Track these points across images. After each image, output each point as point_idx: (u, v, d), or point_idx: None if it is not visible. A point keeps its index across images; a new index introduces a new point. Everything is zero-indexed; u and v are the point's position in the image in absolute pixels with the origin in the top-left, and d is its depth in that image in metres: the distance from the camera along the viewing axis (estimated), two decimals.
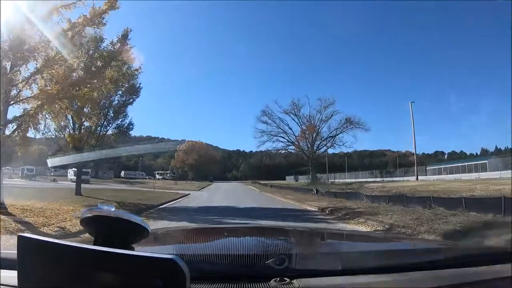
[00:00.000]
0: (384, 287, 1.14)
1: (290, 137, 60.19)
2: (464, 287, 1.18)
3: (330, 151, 63.22)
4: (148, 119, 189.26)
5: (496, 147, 76.27)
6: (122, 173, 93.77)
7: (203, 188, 50.31)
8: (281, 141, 60.81)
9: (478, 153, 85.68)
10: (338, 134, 57.56)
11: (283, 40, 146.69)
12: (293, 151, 62.69)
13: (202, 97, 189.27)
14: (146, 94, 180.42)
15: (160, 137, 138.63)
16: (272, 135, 60.48)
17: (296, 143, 59.74)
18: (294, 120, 60.58)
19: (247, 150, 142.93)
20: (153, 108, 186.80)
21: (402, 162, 78.96)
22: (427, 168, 55.65)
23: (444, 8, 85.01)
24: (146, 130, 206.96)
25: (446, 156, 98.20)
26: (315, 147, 58.55)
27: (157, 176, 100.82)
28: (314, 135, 57.88)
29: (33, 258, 0.81)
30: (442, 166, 53.33)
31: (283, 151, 62.85)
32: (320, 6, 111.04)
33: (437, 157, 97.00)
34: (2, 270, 1.13)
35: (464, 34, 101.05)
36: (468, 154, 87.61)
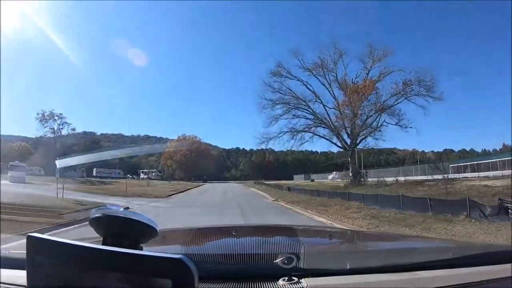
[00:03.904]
0: (391, 286, 1.15)
1: (317, 111, 37.28)
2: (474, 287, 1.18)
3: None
4: (146, 118, 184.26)
5: None
6: (94, 171, 79.00)
7: (180, 192, 33.37)
8: (306, 116, 37.81)
9: (498, 150, 77.47)
10: (394, 104, 34.19)
11: None
12: (323, 132, 38.27)
13: (199, 95, 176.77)
14: (143, 93, 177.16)
15: (158, 136, 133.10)
16: (290, 105, 37.71)
17: (338, 115, 35.43)
18: (323, 85, 37.07)
19: (247, 148, 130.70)
20: (150, 107, 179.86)
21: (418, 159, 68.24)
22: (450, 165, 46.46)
23: None
24: (143, 129, 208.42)
25: (456, 153, 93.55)
26: (358, 124, 34.09)
27: (142, 175, 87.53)
28: (360, 104, 32.99)
29: (43, 257, 0.82)
30: (468, 163, 46.24)
31: (305, 132, 37.88)
32: None
33: (447, 155, 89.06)
34: (3, 269, 1.14)
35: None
36: (479, 151, 79.53)
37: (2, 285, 1.09)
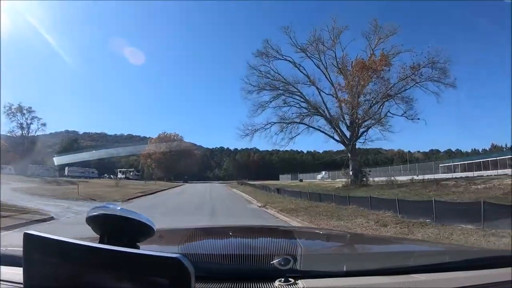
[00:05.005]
0: None
1: (311, 99, 31.47)
2: None
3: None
4: (129, 118, 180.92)
5: None
6: (66, 171, 73.17)
7: (148, 194, 28.61)
8: (299, 103, 31.72)
9: (487, 149, 77.80)
10: (402, 91, 28.34)
11: None
12: (318, 124, 32.16)
13: (185, 95, 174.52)
14: (129, 92, 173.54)
15: (141, 135, 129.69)
16: (279, 90, 31.31)
17: (340, 99, 29.29)
18: (319, 68, 31.32)
19: (231, 148, 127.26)
20: (134, 107, 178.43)
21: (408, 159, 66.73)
22: (440, 165, 46.63)
23: None
24: (127, 129, 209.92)
25: (442, 154, 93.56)
26: (360, 114, 28.29)
27: (119, 175, 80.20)
28: (368, 82, 27.57)
29: (39, 255, 0.83)
30: (459, 163, 44.76)
31: (297, 123, 31.76)
32: None
33: (433, 155, 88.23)
34: (2, 267, 1.13)
35: None
36: (468, 151, 78.55)
37: None
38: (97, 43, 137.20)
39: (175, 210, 17.02)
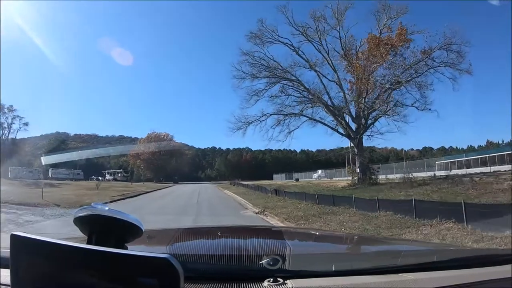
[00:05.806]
0: None
1: (311, 88, 28.07)
2: None
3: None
4: (121, 119, 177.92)
5: None
6: (50, 172, 70.23)
7: (128, 198, 25.80)
8: (299, 91, 28.21)
9: (483, 146, 77.48)
10: (413, 78, 24.85)
11: None
12: (320, 115, 28.75)
13: (177, 96, 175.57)
14: (120, 93, 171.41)
15: (132, 136, 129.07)
16: (276, 77, 27.90)
17: (350, 81, 26.19)
18: (320, 52, 27.96)
19: (223, 147, 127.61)
20: (126, 109, 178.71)
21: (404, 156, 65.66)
22: (436, 162, 44.11)
23: None
24: (118, 130, 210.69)
25: (434, 151, 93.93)
26: (369, 102, 25.04)
27: (107, 176, 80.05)
28: (385, 60, 24.19)
29: (27, 257, 0.82)
30: (456, 160, 42.75)
31: (297, 116, 28.41)
32: None
33: (427, 153, 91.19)
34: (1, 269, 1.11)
35: None
36: (463, 148, 78.80)
37: None
38: (86, 44, 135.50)
39: (150, 219, 13.70)
